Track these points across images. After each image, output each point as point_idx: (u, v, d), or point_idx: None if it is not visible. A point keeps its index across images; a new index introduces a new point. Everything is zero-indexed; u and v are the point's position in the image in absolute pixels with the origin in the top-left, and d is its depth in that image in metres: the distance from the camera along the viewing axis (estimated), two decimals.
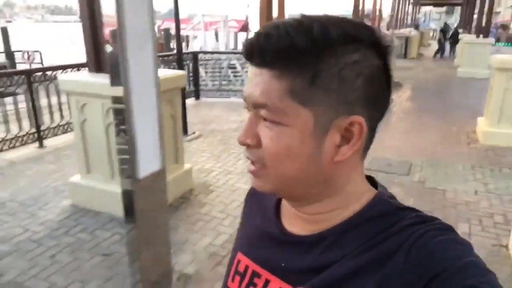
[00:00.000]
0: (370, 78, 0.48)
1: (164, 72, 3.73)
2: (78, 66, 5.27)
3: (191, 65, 8.04)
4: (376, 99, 0.50)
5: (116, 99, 2.77)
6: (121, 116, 2.67)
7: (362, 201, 0.53)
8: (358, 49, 0.47)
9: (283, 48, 0.46)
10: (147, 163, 2.28)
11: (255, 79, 0.50)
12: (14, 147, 4.96)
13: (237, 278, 0.62)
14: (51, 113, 5.47)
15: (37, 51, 16.73)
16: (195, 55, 8.30)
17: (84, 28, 3.29)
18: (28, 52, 16.87)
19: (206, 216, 3.43)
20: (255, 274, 0.59)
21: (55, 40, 38.11)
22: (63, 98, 5.47)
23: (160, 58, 7.24)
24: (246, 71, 8.68)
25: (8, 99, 5.25)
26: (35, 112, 5.11)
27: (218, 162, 4.73)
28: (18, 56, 17.13)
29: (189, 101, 7.48)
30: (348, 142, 0.50)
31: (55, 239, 3.02)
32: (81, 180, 3.51)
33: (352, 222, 0.52)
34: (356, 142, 0.50)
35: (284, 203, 0.61)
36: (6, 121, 5.05)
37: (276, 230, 0.59)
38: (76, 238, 3.05)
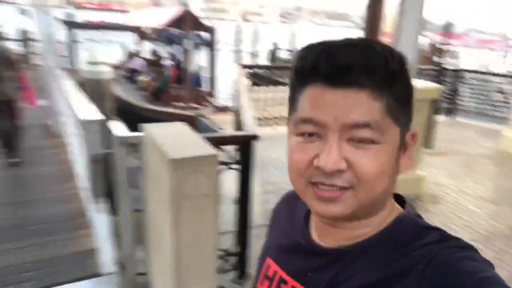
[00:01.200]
0: (413, 97, 0.55)
1: (418, 83, 4.04)
2: None
3: (454, 82, 7.86)
4: (411, 113, 0.56)
5: None
6: None
7: (387, 218, 0.56)
8: (407, 70, 0.53)
9: (382, 70, 0.49)
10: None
11: (338, 101, 0.49)
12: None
13: (266, 282, 0.64)
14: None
15: None
16: (457, 72, 8.04)
17: (366, 36, 4.04)
18: None
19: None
20: (282, 281, 0.61)
21: None
22: None
23: (422, 71, 7.44)
24: None
25: None
26: None
27: (454, 180, 4.71)
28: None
29: (443, 118, 7.40)
30: (405, 154, 0.55)
31: None
32: None
33: (377, 238, 0.54)
34: (412, 152, 0.55)
35: (314, 215, 0.61)
36: (281, 104, 6.55)
37: (304, 241, 0.61)
38: None
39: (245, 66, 6.01)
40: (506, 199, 4.23)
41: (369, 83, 0.49)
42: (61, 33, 5.75)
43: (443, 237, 0.52)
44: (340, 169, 0.50)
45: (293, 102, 0.55)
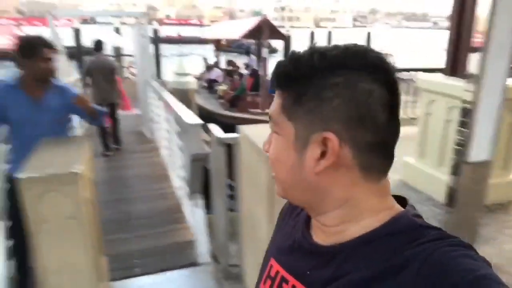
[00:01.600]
0: (351, 100, 0.52)
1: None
2: (428, 70, 6.02)
3: None
4: (361, 119, 0.53)
5: (464, 100, 3.26)
6: (465, 113, 3.17)
7: (380, 217, 0.56)
8: (339, 73, 0.53)
9: (281, 73, 0.57)
10: (478, 152, 2.75)
11: None
12: None
13: (269, 281, 0.67)
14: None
15: (390, 54, 18.90)
16: None
17: (450, 35, 3.92)
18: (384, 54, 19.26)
19: None
20: (283, 280, 0.63)
21: (406, 45, 40.75)
22: (410, 97, 6.43)
23: None
24: None
25: None
26: None
27: None
28: None
29: None
30: (321, 157, 0.55)
31: None
32: (414, 161, 4.28)
33: (370, 237, 0.55)
34: (330, 157, 0.54)
35: None
36: None
37: (304, 240, 0.63)
38: None
39: None
40: None
41: (279, 86, 0.58)
42: (149, 48, 6.37)
43: (441, 236, 0.52)
44: (265, 150, 0.63)
45: None
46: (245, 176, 2.31)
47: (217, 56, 15.96)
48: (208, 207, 3.09)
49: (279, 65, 0.58)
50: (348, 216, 0.57)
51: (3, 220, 2.55)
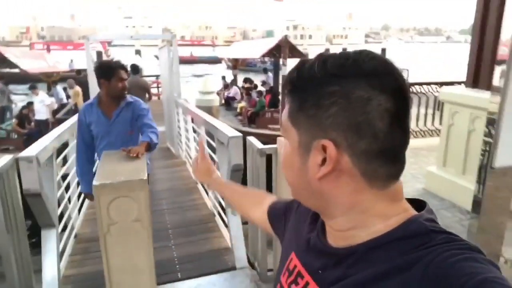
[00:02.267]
0: (347, 108, 0.53)
1: None
2: (446, 84, 6.17)
3: None
4: (358, 127, 0.53)
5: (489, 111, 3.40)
6: (490, 123, 3.31)
7: (391, 222, 0.56)
8: (336, 82, 0.53)
9: (287, 80, 0.59)
10: (503, 159, 2.89)
11: None
12: None
13: (286, 273, 0.69)
14: (417, 120, 6.67)
15: (405, 69, 19.00)
16: None
17: (472, 48, 4.10)
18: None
19: None
20: (299, 275, 0.66)
21: (421, 59, 40.78)
22: (429, 110, 6.57)
23: None
24: None
25: None
26: None
27: None
28: None
29: None
30: (322, 163, 0.56)
31: None
32: (436, 170, 4.41)
33: (380, 241, 0.56)
34: (329, 164, 0.55)
35: None
36: None
37: (318, 240, 0.65)
38: None
39: None
40: None
41: (286, 92, 0.60)
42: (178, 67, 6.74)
43: (448, 239, 0.52)
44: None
45: None
46: (282, 183, 2.50)
47: (234, 75, 16.39)
48: None
49: (289, 72, 0.61)
50: (356, 222, 0.58)
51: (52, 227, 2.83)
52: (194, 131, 5.47)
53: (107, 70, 2.67)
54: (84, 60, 6.90)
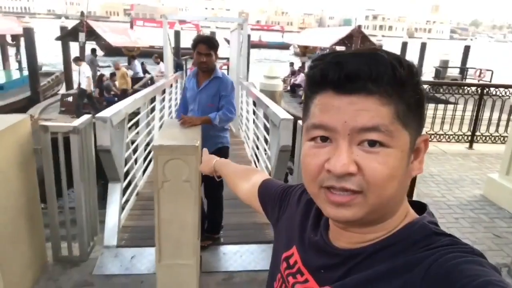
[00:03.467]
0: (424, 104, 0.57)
1: None
2: None
3: None
4: (423, 119, 0.57)
5: None
6: None
7: (398, 220, 0.57)
8: (418, 78, 0.55)
9: (390, 77, 0.51)
10: None
11: (347, 107, 0.52)
12: (448, 141, 6.24)
13: (285, 264, 0.69)
14: (488, 124, 6.26)
15: (489, 70, 17.56)
16: None
17: None
18: (480, 70, 18.05)
19: None
20: (299, 271, 0.65)
21: (510, 60, 37.17)
22: (503, 115, 6.13)
23: None
24: None
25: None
26: (476, 119, 6.10)
27: None
28: (470, 72, 18.78)
29: None
30: (416, 159, 0.56)
31: (460, 210, 3.96)
32: (498, 178, 4.19)
33: (385, 243, 0.55)
34: (423, 157, 0.57)
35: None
36: (442, 122, 6.33)
37: (321, 240, 0.64)
38: (478, 216, 3.85)
39: None
40: None
41: (376, 90, 0.51)
42: (246, 51, 6.96)
43: (452, 242, 0.52)
44: (349, 172, 0.52)
45: (306, 109, 0.59)
46: None
47: (302, 62, 16.34)
48: None
49: (388, 65, 0.52)
50: (395, 222, 0.58)
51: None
52: (254, 113, 5.69)
53: (193, 43, 2.97)
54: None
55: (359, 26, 10.34)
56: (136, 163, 4.27)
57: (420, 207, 0.61)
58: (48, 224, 2.90)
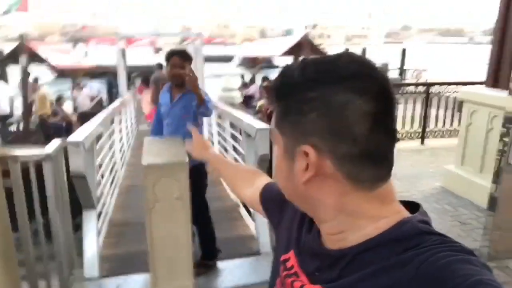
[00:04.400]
0: (326, 113, 0.53)
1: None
2: (466, 84, 6.23)
3: None
4: (337, 132, 0.53)
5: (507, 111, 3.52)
6: (508, 121, 3.43)
7: (381, 224, 0.56)
8: (315, 88, 0.54)
9: (272, 87, 0.59)
10: None
11: None
12: (402, 139, 6.64)
13: (282, 267, 0.71)
14: (436, 120, 6.75)
15: (424, 70, 18.93)
16: None
17: (493, 49, 4.21)
18: (417, 70, 19.40)
19: None
20: (295, 274, 0.67)
21: (441, 60, 40.24)
22: (448, 112, 6.65)
23: None
24: None
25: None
26: (425, 117, 6.54)
27: None
28: (408, 74, 20.12)
29: None
30: (306, 168, 0.57)
31: (426, 203, 4.22)
32: (455, 169, 4.52)
33: (372, 243, 0.56)
34: (311, 169, 0.56)
35: None
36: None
37: (314, 243, 0.65)
38: (442, 207, 4.12)
39: None
40: None
41: (273, 98, 0.60)
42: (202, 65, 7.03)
43: (442, 241, 0.52)
44: None
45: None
46: None
47: (253, 73, 16.60)
48: None
49: (274, 79, 0.60)
50: (346, 225, 0.58)
51: None
52: (219, 125, 5.70)
53: (167, 56, 2.96)
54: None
55: (307, 35, 10.70)
56: (105, 188, 4.11)
57: (414, 207, 0.61)
58: (22, 260, 2.71)
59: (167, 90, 3.12)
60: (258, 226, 3.40)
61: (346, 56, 0.56)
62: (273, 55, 12.95)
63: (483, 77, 4.54)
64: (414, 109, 6.66)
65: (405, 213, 0.58)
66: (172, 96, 3.06)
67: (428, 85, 6.75)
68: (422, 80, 18.24)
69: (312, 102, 0.54)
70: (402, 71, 20.79)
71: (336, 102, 0.53)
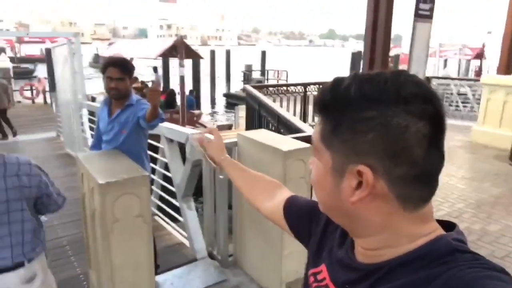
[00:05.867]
0: (385, 135, 0.52)
1: None
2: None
3: None
4: (396, 154, 0.53)
5: None
6: None
7: (418, 243, 0.57)
8: (374, 107, 0.53)
9: (321, 100, 0.59)
10: None
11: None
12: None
13: (312, 278, 0.73)
14: (313, 116, 7.56)
15: (284, 70, 20.70)
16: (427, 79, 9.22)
17: (365, 49, 4.94)
18: (278, 71, 21.08)
19: None
20: (326, 286, 0.68)
21: (290, 61, 44.50)
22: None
23: None
24: (478, 99, 8.91)
25: None
26: (304, 113, 7.26)
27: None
28: (270, 74, 21.72)
29: None
30: (358, 188, 0.56)
31: None
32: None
33: (406, 258, 0.56)
34: (364, 189, 0.55)
35: None
36: None
37: (347, 256, 0.66)
38: None
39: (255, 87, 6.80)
40: (484, 177, 5.22)
41: (318, 111, 0.60)
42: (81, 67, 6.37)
43: (474, 258, 0.53)
44: (310, 169, 0.66)
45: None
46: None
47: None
48: (197, 208, 3.46)
49: (321, 91, 0.59)
50: (386, 242, 0.58)
51: None
52: None
53: (102, 67, 2.59)
54: None
55: (182, 37, 10.64)
56: None
57: (449, 225, 0.62)
58: None
59: (105, 103, 2.79)
60: (192, 232, 3.34)
61: (405, 77, 0.55)
62: (147, 57, 12.47)
63: (332, 75, 5.27)
64: (294, 107, 7.33)
65: (441, 231, 0.59)
66: (111, 111, 2.74)
67: (305, 84, 7.50)
68: (283, 80, 20.01)
69: (369, 122, 0.53)
70: (264, 72, 22.35)
71: (396, 124, 0.52)
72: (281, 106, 6.92)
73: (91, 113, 5.92)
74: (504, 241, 3.54)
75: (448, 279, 0.50)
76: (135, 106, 2.69)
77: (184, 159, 3.46)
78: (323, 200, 0.64)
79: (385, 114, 0.52)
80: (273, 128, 4.81)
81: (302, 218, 0.86)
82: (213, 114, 20.16)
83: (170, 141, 3.35)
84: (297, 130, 3.54)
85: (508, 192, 4.74)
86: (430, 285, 0.51)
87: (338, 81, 0.57)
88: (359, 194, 0.55)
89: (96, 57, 32.06)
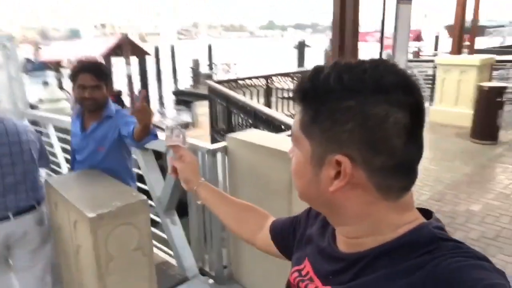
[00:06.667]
0: (364, 124, 0.52)
1: None
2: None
3: None
4: (375, 144, 0.52)
5: None
6: None
7: (400, 230, 0.57)
8: (353, 97, 0.52)
9: (300, 89, 0.58)
10: None
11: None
12: None
13: (296, 274, 0.71)
14: (282, 106, 7.38)
15: (235, 64, 20.45)
16: None
17: (334, 41, 4.82)
18: (227, 64, 20.77)
19: None
20: (310, 279, 0.67)
21: (234, 53, 44.20)
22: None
23: None
24: (427, 80, 9.20)
25: None
26: (269, 104, 7.08)
27: None
28: (218, 68, 21.34)
29: None
30: (336, 178, 0.56)
31: None
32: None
33: (388, 247, 0.56)
34: (343, 179, 0.55)
35: None
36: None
37: (329, 247, 0.66)
38: None
39: (219, 82, 6.48)
40: (453, 157, 5.31)
41: (298, 100, 0.59)
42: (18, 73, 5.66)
43: (456, 247, 0.53)
44: (291, 157, 0.65)
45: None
46: (240, 179, 2.52)
47: (59, 78, 14.50)
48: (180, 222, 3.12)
49: (301, 80, 0.58)
50: (367, 231, 0.58)
51: None
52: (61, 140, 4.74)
53: (72, 73, 2.12)
54: None
55: (126, 34, 10.01)
56: None
57: (427, 213, 0.62)
58: None
59: (76, 116, 2.31)
60: (180, 250, 3.01)
61: (383, 65, 0.54)
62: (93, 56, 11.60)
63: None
64: (258, 100, 7.10)
65: (422, 220, 0.59)
66: (84, 124, 2.27)
67: (267, 77, 7.30)
68: (232, 73, 19.73)
69: (349, 112, 0.53)
70: (211, 66, 21.90)
71: (375, 114, 0.52)
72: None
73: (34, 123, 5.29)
74: (490, 221, 3.56)
75: (433, 268, 0.50)
76: (115, 118, 2.23)
77: (161, 168, 3.11)
78: (302, 190, 0.63)
79: (363, 104, 0.52)
80: (247, 125, 4.54)
81: (287, 231, 0.85)
82: (162, 114, 19.39)
83: (145, 149, 2.96)
84: (285, 126, 3.30)
85: (479, 169, 4.86)
86: (414, 275, 0.51)
87: (317, 70, 0.56)
88: (337, 184, 0.55)
89: (27, 62, 29.70)
